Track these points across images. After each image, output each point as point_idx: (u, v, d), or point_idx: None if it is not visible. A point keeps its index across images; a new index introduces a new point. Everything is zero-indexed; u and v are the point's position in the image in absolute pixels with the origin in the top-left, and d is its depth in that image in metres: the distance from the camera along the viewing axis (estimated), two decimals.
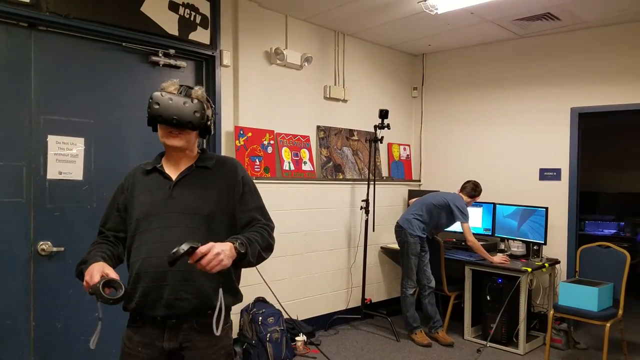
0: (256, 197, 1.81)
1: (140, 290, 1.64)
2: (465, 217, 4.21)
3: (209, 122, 1.77)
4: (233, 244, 1.53)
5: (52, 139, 2.95)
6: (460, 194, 4.39)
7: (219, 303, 1.57)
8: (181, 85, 1.73)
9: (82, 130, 3.08)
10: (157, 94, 1.67)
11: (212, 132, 1.88)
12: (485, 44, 4.97)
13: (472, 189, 4.36)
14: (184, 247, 1.41)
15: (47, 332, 2.94)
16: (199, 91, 1.74)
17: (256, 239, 1.64)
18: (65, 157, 3.02)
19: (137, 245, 1.68)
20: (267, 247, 1.69)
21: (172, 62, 3.46)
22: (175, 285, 1.62)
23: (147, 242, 1.66)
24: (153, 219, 1.67)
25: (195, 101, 1.69)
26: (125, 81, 3.29)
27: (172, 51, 3.43)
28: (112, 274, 1.54)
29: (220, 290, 1.60)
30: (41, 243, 2.90)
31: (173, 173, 1.75)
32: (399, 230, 4.35)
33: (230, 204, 1.73)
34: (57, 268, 2.97)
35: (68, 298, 3.02)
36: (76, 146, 3.06)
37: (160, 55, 3.39)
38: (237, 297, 1.77)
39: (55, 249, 2.92)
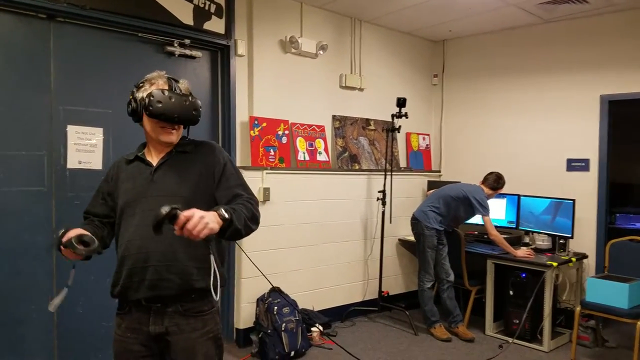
0: (237, 175, 1.92)
1: (125, 272, 1.78)
2: (486, 210, 4.30)
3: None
4: (216, 211, 1.61)
5: (71, 129, 3.24)
6: (482, 185, 4.47)
7: (213, 266, 1.67)
8: (169, 78, 1.87)
9: (100, 121, 3.36)
10: (157, 92, 1.78)
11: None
12: (508, 29, 5.03)
13: (495, 181, 4.44)
14: (165, 208, 1.49)
15: (68, 316, 3.24)
16: (185, 84, 1.90)
17: (240, 209, 1.70)
18: (85, 147, 3.30)
19: (122, 230, 1.84)
20: (252, 218, 1.76)
21: (188, 52, 3.70)
22: (158, 266, 1.74)
23: (130, 225, 1.81)
24: (135, 204, 1.82)
25: (192, 98, 1.85)
26: (141, 71, 3.39)
27: (187, 41, 3.67)
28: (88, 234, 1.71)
29: (212, 257, 1.68)
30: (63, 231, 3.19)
31: (154, 160, 1.90)
32: (415, 222, 4.51)
33: (210, 185, 1.85)
34: None
35: (89, 284, 3.31)
36: (95, 136, 3.35)
37: (175, 45, 3.64)
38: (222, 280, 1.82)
39: None
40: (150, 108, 1.77)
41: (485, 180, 4.49)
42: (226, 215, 1.61)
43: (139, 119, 1.88)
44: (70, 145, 3.24)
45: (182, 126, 1.91)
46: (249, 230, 1.74)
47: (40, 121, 3.16)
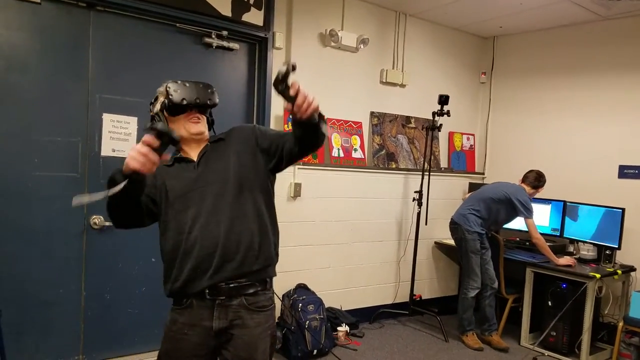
0: (273, 129, 1.97)
1: (189, 266, 1.73)
2: (529, 213, 4.02)
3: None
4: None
5: (107, 117, 3.19)
6: (522, 184, 4.20)
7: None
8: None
9: (136, 110, 3.29)
10: (172, 83, 1.81)
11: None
12: (563, 26, 4.70)
13: (536, 179, 4.16)
14: (283, 68, 1.49)
15: (96, 301, 3.22)
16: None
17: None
18: (119, 135, 3.25)
19: (174, 226, 1.77)
20: (326, 130, 1.75)
21: (225, 44, 3.58)
22: (224, 248, 1.72)
23: (184, 220, 1.75)
24: (186, 198, 1.78)
25: (206, 84, 1.86)
26: (178, 62, 3.47)
27: (225, 33, 3.54)
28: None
29: (270, 236, 1.83)
30: (94, 217, 3.16)
31: (194, 157, 1.88)
32: (455, 227, 4.25)
33: (253, 158, 1.84)
34: (107, 241, 3.23)
35: (117, 271, 3.28)
36: (130, 125, 3.28)
37: (213, 36, 3.53)
38: (273, 266, 1.87)
39: (107, 224, 3.16)
40: (170, 97, 1.78)
41: (525, 179, 4.21)
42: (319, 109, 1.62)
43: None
44: (105, 133, 3.19)
45: (205, 117, 1.89)
46: (323, 137, 1.73)
47: (77, 108, 3.12)
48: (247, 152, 1.85)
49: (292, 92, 1.51)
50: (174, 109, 1.81)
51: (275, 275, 1.88)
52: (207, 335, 1.75)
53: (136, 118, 3.29)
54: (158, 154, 1.54)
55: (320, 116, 1.64)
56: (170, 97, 1.78)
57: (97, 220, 3.16)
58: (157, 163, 1.55)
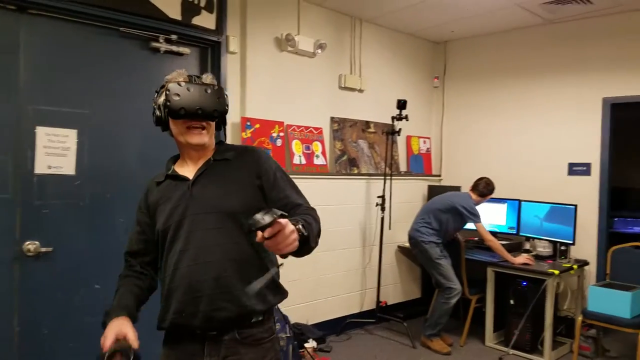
0: (290, 182, 1.59)
1: (174, 306, 1.46)
2: (476, 217, 3.90)
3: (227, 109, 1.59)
4: (295, 225, 1.27)
5: (41, 131, 2.67)
6: (470, 192, 4.06)
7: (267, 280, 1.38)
8: (190, 76, 1.53)
9: (75, 122, 2.80)
10: (173, 85, 1.46)
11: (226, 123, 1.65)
12: (511, 30, 4.58)
13: (484, 187, 4.03)
14: (267, 218, 1.15)
15: (32, 337, 2.68)
16: (209, 77, 1.56)
17: (310, 222, 1.38)
18: (56, 150, 2.74)
19: (165, 258, 1.52)
20: (318, 233, 1.44)
21: (174, 48, 3.15)
22: (212, 295, 1.43)
23: (174, 252, 1.48)
24: (177, 226, 1.48)
25: (215, 87, 1.51)
26: (123, 69, 3.00)
27: (174, 37, 3.12)
28: (130, 332, 1.39)
29: (271, 273, 1.42)
30: (28, 242, 2.63)
31: (189, 173, 1.55)
32: (413, 242, 4.09)
33: (259, 197, 1.51)
34: (45, 270, 2.70)
35: (56, 302, 2.76)
36: (68, 138, 2.78)
37: (161, 41, 3.09)
38: (281, 294, 1.57)
39: (43, 249, 2.65)
40: (168, 104, 1.45)
41: (475, 187, 4.07)
42: (305, 233, 1.29)
43: (166, 128, 1.55)
44: (40, 148, 2.66)
45: (212, 124, 1.55)
46: (316, 244, 1.41)
47: (5, 121, 2.59)
48: (253, 188, 1.52)
49: (258, 239, 1.19)
50: (173, 114, 1.47)
51: (277, 302, 1.57)
52: None
53: (75, 131, 2.79)
54: None
55: (303, 243, 1.29)
56: (168, 103, 1.45)
57: (32, 246, 2.62)
58: None
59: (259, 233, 1.16)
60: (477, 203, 4.01)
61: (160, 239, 1.53)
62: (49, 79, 2.72)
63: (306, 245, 1.31)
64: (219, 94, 1.50)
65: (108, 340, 1.36)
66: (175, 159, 1.63)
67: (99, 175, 2.88)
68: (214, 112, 1.48)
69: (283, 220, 1.18)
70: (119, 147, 3.00)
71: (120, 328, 1.39)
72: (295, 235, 1.22)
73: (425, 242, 3.95)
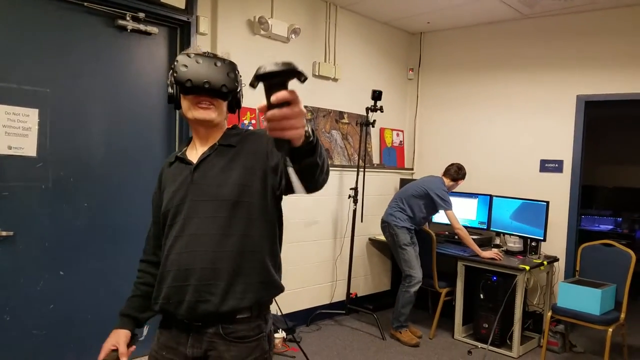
0: None
1: (164, 292, 1.46)
2: (447, 204, 4.00)
3: (240, 90, 1.53)
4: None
5: (0, 109, 2.62)
6: (444, 177, 4.17)
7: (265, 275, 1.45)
8: (205, 52, 1.49)
9: (36, 101, 2.75)
10: (182, 56, 1.42)
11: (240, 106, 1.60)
12: (488, 23, 4.67)
13: (456, 172, 4.15)
14: (273, 66, 0.93)
15: None
16: (226, 55, 1.52)
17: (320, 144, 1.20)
18: (17, 130, 2.69)
19: (164, 242, 1.52)
20: (327, 164, 1.25)
21: (142, 27, 3.11)
22: (198, 286, 1.41)
23: (170, 237, 1.48)
24: (176, 210, 1.48)
25: (226, 61, 1.45)
26: (88, 47, 2.95)
27: (141, 15, 3.08)
28: (121, 346, 1.50)
29: (268, 264, 1.47)
30: None
31: (196, 156, 1.52)
32: (385, 225, 4.16)
33: (260, 181, 1.46)
34: (5, 254, 2.66)
35: (18, 288, 2.72)
36: (29, 118, 2.73)
37: (128, 19, 3.04)
38: (272, 289, 1.50)
39: (4, 233, 2.62)
40: (175, 75, 1.40)
41: (446, 172, 4.19)
42: (310, 133, 1.06)
43: (179, 106, 1.51)
44: None
45: (223, 102, 1.49)
46: (322, 174, 1.21)
47: None
48: (255, 170, 1.46)
49: (272, 99, 0.95)
50: (181, 88, 1.44)
51: (269, 301, 1.53)
52: None
53: (37, 110, 2.74)
54: None
55: (308, 145, 1.06)
56: (175, 74, 1.40)
57: None
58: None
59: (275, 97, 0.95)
60: (450, 188, 4.13)
61: (161, 221, 1.54)
62: (9, 55, 2.66)
63: (311, 154, 1.10)
64: (230, 68, 1.44)
65: (102, 352, 1.48)
66: (190, 140, 1.61)
67: (62, 158, 2.85)
68: (222, 88, 1.42)
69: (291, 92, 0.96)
70: (83, 129, 2.96)
71: (116, 339, 1.50)
72: (303, 121, 1.00)
73: (398, 227, 4.04)
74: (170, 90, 1.50)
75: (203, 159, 1.49)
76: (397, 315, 4.05)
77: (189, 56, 1.41)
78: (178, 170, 1.54)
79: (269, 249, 1.49)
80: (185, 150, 1.57)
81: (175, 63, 1.41)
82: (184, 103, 1.48)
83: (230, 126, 1.57)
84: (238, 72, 1.48)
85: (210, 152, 1.50)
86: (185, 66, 1.40)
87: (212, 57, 1.44)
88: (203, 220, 1.43)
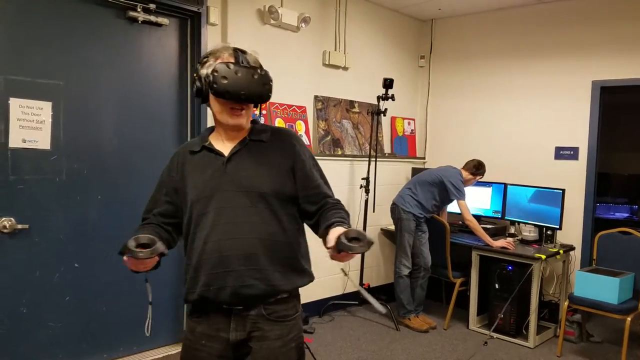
0: (319, 170, 1.73)
1: (203, 279, 1.55)
2: (460, 194, 4.06)
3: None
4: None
5: (14, 102, 2.70)
6: (462, 169, 4.23)
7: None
8: (235, 50, 1.57)
9: (50, 93, 2.83)
10: (221, 66, 1.49)
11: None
12: (500, 9, 4.68)
13: (475, 167, 4.21)
14: (360, 249, 1.38)
15: (10, 317, 2.75)
16: (253, 56, 1.61)
17: (346, 220, 1.57)
18: (31, 124, 2.77)
19: (194, 230, 1.59)
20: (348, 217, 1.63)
21: (153, 18, 3.18)
22: (240, 271, 1.53)
23: (204, 225, 1.56)
24: (208, 200, 1.56)
25: (261, 71, 1.55)
26: (100, 39, 3.03)
27: (152, 6, 3.15)
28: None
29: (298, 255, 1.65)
30: (3, 219, 2.68)
31: (225, 149, 1.62)
32: (393, 207, 4.28)
33: (288, 182, 1.62)
34: (21, 247, 2.76)
35: (34, 281, 2.82)
36: (43, 111, 2.81)
37: (139, 10, 3.12)
38: (304, 277, 1.68)
39: (19, 226, 2.70)
40: (215, 86, 1.49)
41: (466, 165, 4.26)
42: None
43: (205, 100, 1.59)
44: (13, 120, 2.70)
45: (251, 106, 1.62)
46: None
47: None
48: (284, 172, 1.62)
49: (345, 257, 1.45)
50: (217, 94, 1.53)
51: (303, 284, 1.69)
52: (225, 347, 1.59)
53: (50, 103, 2.83)
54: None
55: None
56: (215, 85, 1.49)
57: (8, 222, 2.67)
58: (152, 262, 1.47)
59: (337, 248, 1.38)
60: (467, 182, 4.19)
61: (189, 209, 1.60)
62: (23, 48, 2.74)
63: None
64: (266, 79, 1.55)
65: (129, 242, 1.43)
66: (211, 130, 1.70)
67: (76, 150, 2.94)
68: (257, 99, 1.56)
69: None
70: (96, 121, 3.04)
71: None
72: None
73: (406, 211, 4.14)
74: (198, 84, 1.57)
75: (236, 152, 1.60)
76: (399, 302, 4.21)
77: (229, 67, 1.49)
78: (207, 160, 1.62)
79: (300, 240, 1.67)
80: (210, 141, 1.65)
81: (215, 74, 1.48)
82: (216, 105, 1.57)
83: (252, 120, 1.69)
84: (272, 81, 1.58)
85: (241, 146, 1.61)
86: (225, 78, 1.48)
87: (249, 67, 1.53)
88: (240, 210, 1.55)
